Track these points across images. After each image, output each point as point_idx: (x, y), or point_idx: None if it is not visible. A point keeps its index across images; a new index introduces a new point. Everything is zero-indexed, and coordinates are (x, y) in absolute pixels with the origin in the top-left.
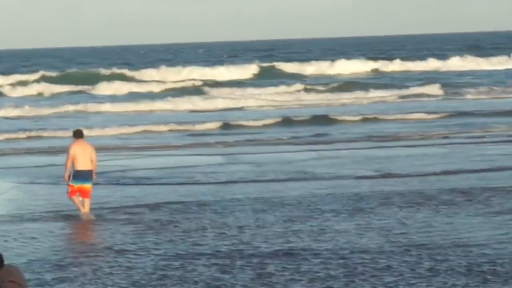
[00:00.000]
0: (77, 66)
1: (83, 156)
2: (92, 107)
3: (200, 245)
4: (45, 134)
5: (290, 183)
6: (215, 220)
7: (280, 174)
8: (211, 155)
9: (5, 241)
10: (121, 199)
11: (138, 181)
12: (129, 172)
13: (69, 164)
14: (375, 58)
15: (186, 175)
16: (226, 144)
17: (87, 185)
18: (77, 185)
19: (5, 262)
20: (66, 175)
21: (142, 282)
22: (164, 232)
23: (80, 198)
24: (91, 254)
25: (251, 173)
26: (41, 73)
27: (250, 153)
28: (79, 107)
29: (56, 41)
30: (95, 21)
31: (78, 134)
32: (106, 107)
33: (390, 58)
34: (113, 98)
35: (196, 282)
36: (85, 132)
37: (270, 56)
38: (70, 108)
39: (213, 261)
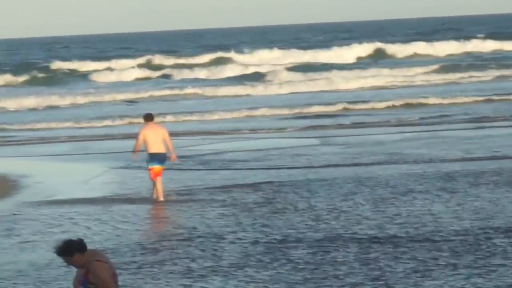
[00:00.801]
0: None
1: (154, 139)
2: (210, 90)
3: (295, 229)
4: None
5: (380, 165)
6: (307, 202)
7: (370, 155)
8: (308, 138)
9: (98, 223)
10: (212, 181)
11: (229, 165)
12: (225, 154)
13: (137, 147)
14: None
15: (278, 157)
16: (335, 127)
17: (161, 167)
18: (155, 167)
19: (98, 245)
20: (134, 156)
21: (236, 265)
22: (257, 215)
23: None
24: (182, 237)
25: (340, 154)
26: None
27: (347, 135)
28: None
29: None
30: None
31: (148, 118)
32: (232, 90)
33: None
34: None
35: (295, 267)
36: (207, 116)
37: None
38: (189, 91)
39: (311, 245)
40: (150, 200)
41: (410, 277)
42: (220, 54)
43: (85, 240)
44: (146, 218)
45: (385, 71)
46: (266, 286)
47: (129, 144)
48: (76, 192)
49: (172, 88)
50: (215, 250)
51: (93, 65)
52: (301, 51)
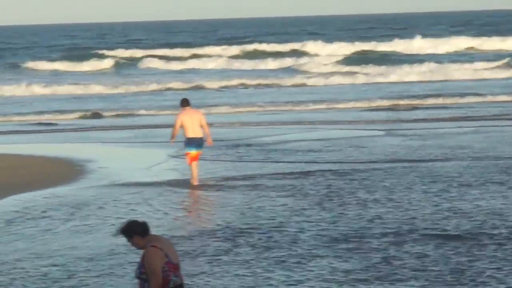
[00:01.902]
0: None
1: (191, 124)
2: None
3: (364, 217)
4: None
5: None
6: (369, 192)
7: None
8: (374, 130)
9: (162, 209)
10: (275, 169)
11: (289, 153)
12: (289, 143)
13: (174, 132)
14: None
15: (341, 147)
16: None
17: (198, 151)
18: (192, 152)
19: (162, 232)
20: (173, 141)
21: (307, 255)
22: (324, 204)
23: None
24: (247, 226)
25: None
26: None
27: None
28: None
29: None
30: None
31: (185, 103)
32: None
33: None
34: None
35: (367, 257)
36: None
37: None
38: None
39: (385, 239)
40: (210, 187)
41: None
42: (294, 45)
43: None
44: (206, 205)
45: None
46: (346, 276)
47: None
48: (140, 177)
49: (266, 77)
50: (280, 239)
51: (178, 52)
52: (383, 43)
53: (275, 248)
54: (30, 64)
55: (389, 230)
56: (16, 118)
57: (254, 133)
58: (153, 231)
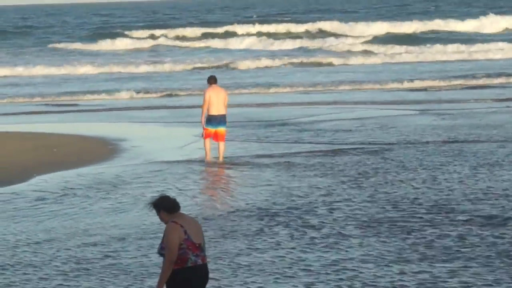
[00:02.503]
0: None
1: (217, 101)
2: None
3: (400, 197)
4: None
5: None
6: (404, 171)
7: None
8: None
9: (196, 187)
10: (307, 147)
11: (322, 132)
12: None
13: (205, 109)
14: None
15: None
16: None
17: (221, 129)
18: (212, 129)
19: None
20: (202, 119)
21: (339, 234)
22: (357, 183)
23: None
24: (288, 204)
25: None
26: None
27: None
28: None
29: None
30: None
31: (212, 80)
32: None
33: None
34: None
35: (404, 238)
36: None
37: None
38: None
39: (421, 220)
40: (242, 166)
41: None
42: (321, 24)
43: (183, 204)
44: (238, 184)
45: None
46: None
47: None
48: (173, 156)
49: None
50: (313, 219)
51: (210, 31)
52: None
53: (309, 228)
54: (61, 45)
55: (425, 211)
56: (66, 97)
57: (287, 113)
58: (186, 210)
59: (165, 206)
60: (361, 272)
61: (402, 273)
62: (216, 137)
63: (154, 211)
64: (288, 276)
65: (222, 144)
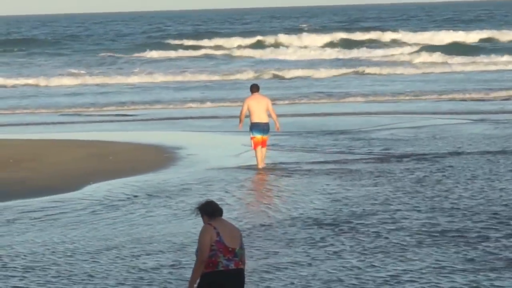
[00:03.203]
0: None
1: (258, 109)
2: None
3: (457, 207)
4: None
5: None
6: (460, 181)
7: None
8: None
9: (251, 195)
10: (359, 155)
11: (375, 142)
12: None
13: (242, 117)
14: None
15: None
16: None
17: (264, 136)
18: (258, 136)
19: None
20: (240, 125)
21: (398, 244)
22: (414, 191)
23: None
24: (344, 212)
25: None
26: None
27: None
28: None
29: None
30: None
31: (254, 88)
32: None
33: None
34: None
35: (466, 249)
36: None
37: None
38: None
39: (480, 230)
40: (296, 173)
41: None
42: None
43: (239, 212)
44: (296, 192)
45: None
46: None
47: (284, 121)
48: (229, 164)
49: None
50: (369, 228)
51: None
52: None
53: (365, 236)
54: (114, 54)
55: (486, 220)
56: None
57: (340, 122)
58: (243, 217)
59: (206, 210)
60: (421, 284)
61: (465, 284)
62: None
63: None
64: (345, 286)
65: (263, 150)
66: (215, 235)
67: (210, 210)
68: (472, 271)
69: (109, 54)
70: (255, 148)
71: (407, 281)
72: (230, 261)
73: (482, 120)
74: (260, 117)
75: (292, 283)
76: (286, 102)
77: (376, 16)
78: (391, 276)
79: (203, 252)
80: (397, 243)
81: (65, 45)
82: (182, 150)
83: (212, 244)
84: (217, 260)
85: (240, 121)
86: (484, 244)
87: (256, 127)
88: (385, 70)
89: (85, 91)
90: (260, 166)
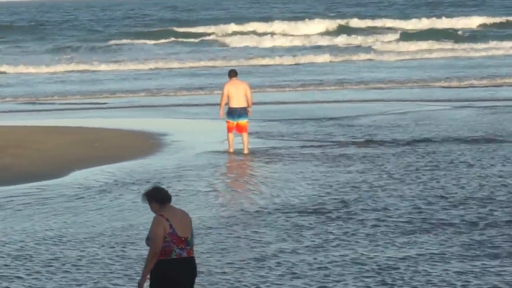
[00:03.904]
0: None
1: (236, 94)
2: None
3: (452, 196)
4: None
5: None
6: (454, 169)
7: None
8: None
9: (238, 182)
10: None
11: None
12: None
13: (222, 103)
14: None
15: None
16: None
17: (242, 121)
18: (233, 121)
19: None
20: (221, 112)
21: (389, 231)
22: (405, 179)
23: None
24: (333, 199)
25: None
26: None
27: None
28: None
29: None
30: None
31: (232, 74)
32: None
33: None
34: None
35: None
36: None
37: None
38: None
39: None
40: (287, 159)
41: None
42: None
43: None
44: (284, 178)
45: None
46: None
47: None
48: (214, 151)
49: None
50: (363, 213)
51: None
52: None
53: (351, 224)
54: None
55: (478, 207)
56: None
57: (334, 109)
58: (228, 203)
59: (157, 197)
60: (410, 272)
61: (459, 272)
62: (239, 129)
63: (146, 202)
64: (339, 275)
65: (245, 136)
66: (168, 227)
67: (159, 197)
68: (460, 258)
69: (92, 43)
70: (229, 132)
71: (394, 268)
72: (183, 250)
73: (466, 107)
74: (238, 101)
75: (279, 272)
76: (273, 90)
77: (357, 3)
78: (378, 264)
79: (156, 244)
80: (384, 231)
81: (44, 31)
82: (168, 137)
83: (165, 236)
84: (170, 249)
85: (221, 107)
86: (472, 231)
87: (233, 112)
88: (371, 56)
89: (69, 78)
90: (245, 152)
